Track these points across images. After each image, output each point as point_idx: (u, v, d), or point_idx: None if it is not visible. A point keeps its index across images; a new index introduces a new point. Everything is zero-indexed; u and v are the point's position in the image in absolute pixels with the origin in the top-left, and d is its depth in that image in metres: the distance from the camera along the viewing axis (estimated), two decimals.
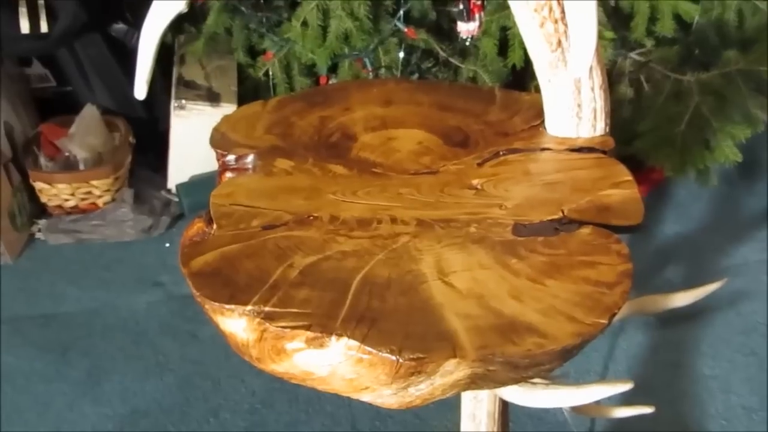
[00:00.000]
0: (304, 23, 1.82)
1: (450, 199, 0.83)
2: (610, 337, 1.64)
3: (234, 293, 0.69)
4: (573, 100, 0.88)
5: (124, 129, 2.00)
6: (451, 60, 1.89)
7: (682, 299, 1.48)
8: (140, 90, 0.99)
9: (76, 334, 1.68)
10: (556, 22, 0.81)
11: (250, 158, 0.89)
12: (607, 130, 0.91)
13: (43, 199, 1.91)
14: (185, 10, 0.99)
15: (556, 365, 0.70)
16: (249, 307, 0.68)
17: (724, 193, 2.05)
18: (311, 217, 0.79)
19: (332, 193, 0.83)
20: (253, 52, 1.99)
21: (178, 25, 2.07)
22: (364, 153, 0.91)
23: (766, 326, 1.67)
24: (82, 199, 1.91)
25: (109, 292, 1.79)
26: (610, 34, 1.73)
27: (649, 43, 1.82)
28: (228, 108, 1.90)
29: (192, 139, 1.90)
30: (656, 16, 1.77)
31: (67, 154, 1.92)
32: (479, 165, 0.88)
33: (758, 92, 1.75)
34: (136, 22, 1.96)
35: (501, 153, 0.90)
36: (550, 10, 0.81)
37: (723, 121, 1.70)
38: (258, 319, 0.67)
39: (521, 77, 1.85)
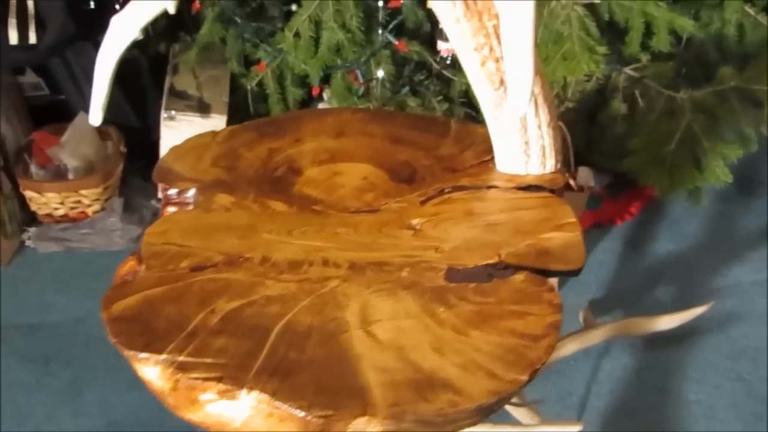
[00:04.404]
0: (297, 34, 1.81)
1: (387, 240, 0.81)
2: (594, 359, 1.61)
3: (150, 341, 0.68)
4: (520, 138, 0.86)
5: (116, 138, 1.99)
6: (444, 72, 1.87)
7: (667, 322, 1.46)
8: (95, 116, 0.99)
9: (60, 343, 1.68)
10: (497, 60, 0.79)
11: (192, 192, 0.88)
12: (558, 166, 0.89)
13: (33, 207, 1.92)
14: (140, 38, 0.99)
15: (475, 421, 0.68)
16: (163, 356, 0.67)
17: (720, 211, 2.00)
18: (242, 258, 0.78)
19: (268, 231, 0.82)
20: (247, 62, 1.98)
21: (172, 34, 2.07)
22: (307, 189, 0.89)
23: (755, 350, 1.63)
24: (72, 208, 1.92)
25: (96, 301, 1.77)
26: (602, 49, 1.69)
27: (644, 57, 1.78)
28: (218, 119, 1.90)
29: None
30: (652, 31, 1.73)
31: (57, 163, 1.93)
32: (422, 203, 0.86)
33: (756, 108, 1.70)
34: None
35: (446, 190, 0.88)
36: (491, 49, 0.79)
37: (714, 140, 1.65)
38: (171, 369, 0.66)
39: None
